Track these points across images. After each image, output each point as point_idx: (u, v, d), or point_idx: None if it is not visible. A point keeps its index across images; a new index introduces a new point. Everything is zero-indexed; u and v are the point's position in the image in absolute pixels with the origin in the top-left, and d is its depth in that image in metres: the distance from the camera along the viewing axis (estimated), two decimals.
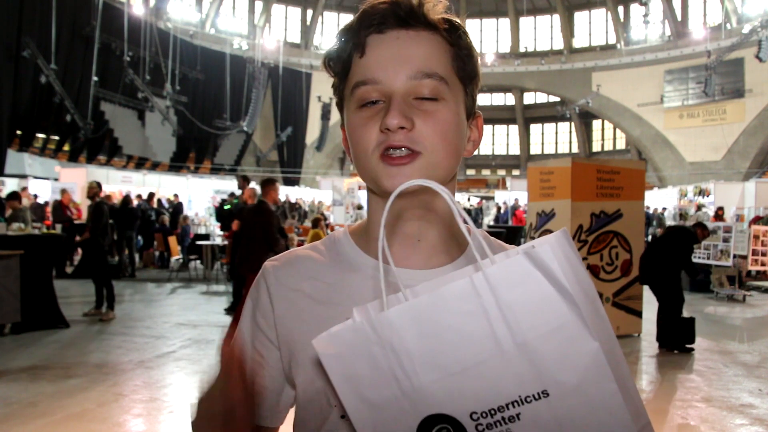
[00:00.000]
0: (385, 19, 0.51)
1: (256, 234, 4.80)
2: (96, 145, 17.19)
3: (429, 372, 0.38)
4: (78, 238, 6.47)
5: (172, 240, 9.37)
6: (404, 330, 0.38)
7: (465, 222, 0.40)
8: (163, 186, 14.25)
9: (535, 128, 32.06)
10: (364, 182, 0.54)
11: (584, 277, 0.37)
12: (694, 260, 5.68)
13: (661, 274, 4.79)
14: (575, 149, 30.19)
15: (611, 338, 0.38)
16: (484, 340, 0.37)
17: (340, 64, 0.54)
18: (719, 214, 10.87)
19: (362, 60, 0.51)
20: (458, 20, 0.54)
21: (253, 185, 7.11)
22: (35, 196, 11.15)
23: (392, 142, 0.49)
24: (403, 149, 0.49)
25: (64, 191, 9.85)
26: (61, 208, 9.38)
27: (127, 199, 9.31)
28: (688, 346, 4.71)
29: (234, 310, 6.07)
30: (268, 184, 5.01)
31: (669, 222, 13.97)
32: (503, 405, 0.38)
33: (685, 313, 4.89)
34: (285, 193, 16.12)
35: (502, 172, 30.81)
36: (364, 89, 0.51)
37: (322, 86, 24.58)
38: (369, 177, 0.52)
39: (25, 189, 11.07)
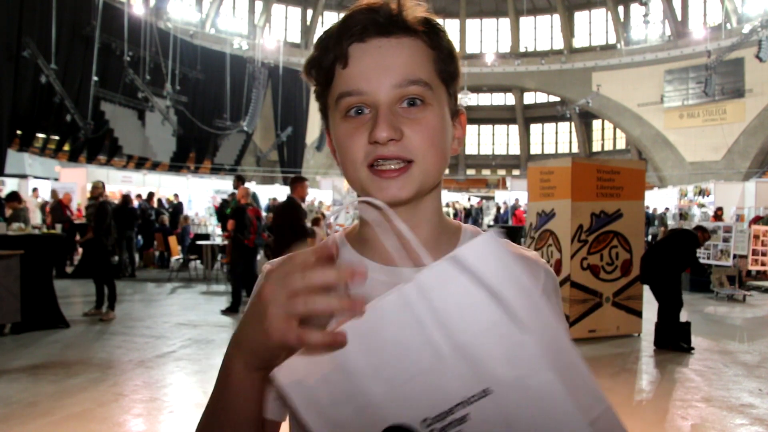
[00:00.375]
0: (366, 27, 0.51)
1: (285, 228, 5.14)
2: (96, 144, 17.19)
3: (379, 385, 0.40)
4: (78, 237, 6.47)
5: (172, 240, 9.37)
6: (352, 348, 0.40)
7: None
8: (163, 186, 14.24)
9: (535, 128, 32.04)
10: (354, 190, 0.55)
11: (516, 272, 0.39)
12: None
13: (661, 275, 4.79)
14: (575, 149, 30.18)
15: (552, 330, 0.39)
16: (422, 347, 0.39)
17: (322, 74, 0.53)
18: (718, 215, 10.87)
19: (345, 71, 0.51)
20: (437, 20, 0.54)
21: (247, 185, 7.14)
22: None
23: (383, 153, 0.50)
24: (395, 161, 0.50)
25: (53, 192, 9.86)
26: (60, 208, 9.39)
27: (127, 198, 9.31)
28: (685, 345, 4.71)
29: (233, 310, 6.07)
30: (296, 182, 5.30)
31: (671, 222, 13.96)
32: (451, 408, 0.40)
33: (685, 315, 4.89)
34: (285, 192, 16.10)
35: (502, 172, 30.80)
36: (349, 100, 0.51)
37: None
38: (359, 187, 0.53)
39: (36, 190, 11.08)
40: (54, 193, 9.95)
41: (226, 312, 6.06)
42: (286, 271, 0.40)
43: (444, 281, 0.38)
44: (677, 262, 4.82)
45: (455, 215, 17.40)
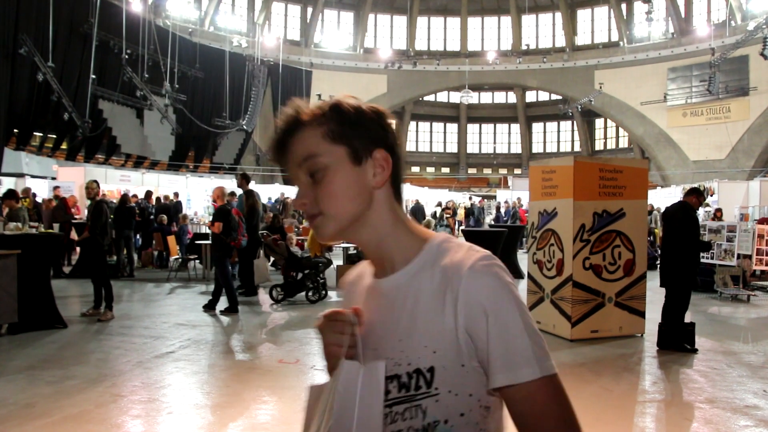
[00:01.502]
0: (274, 144, 0.73)
1: None
2: (94, 143, 17.12)
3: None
4: (74, 236, 6.41)
5: (171, 239, 9.34)
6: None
7: None
8: (162, 185, 14.19)
9: (537, 126, 31.96)
10: None
11: (368, 393, 0.63)
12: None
13: (678, 259, 4.65)
14: (577, 148, 30.11)
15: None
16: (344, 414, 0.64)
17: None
18: (717, 216, 10.79)
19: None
20: (330, 102, 0.70)
21: (225, 186, 7.15)
22: (34, 195, 11.09)
23: (306, 213, 0.71)
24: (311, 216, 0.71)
25: (26, 190, 9.75)
26: (64, 207, 9.32)
27: (125, 198, 9.27)
28: (688, 346, 4.65)
29: (232, 311, 6.03)
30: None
31: None
32: None
33: (689, 315, 4.84)
34: (285, 192, 16.09)
35: (503, 171, 30.74)
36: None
37: (322, 84, 24.50)
38: None
39: (57, 188, 11.02)
40: (26, 191, 9.80)
41: (225, 312, 6.02)
42: (330, 324, 0.70)
43: (348, 381, 0.64)
44: (684, 240, 4.67)
45: (454, 214, 17.46)
